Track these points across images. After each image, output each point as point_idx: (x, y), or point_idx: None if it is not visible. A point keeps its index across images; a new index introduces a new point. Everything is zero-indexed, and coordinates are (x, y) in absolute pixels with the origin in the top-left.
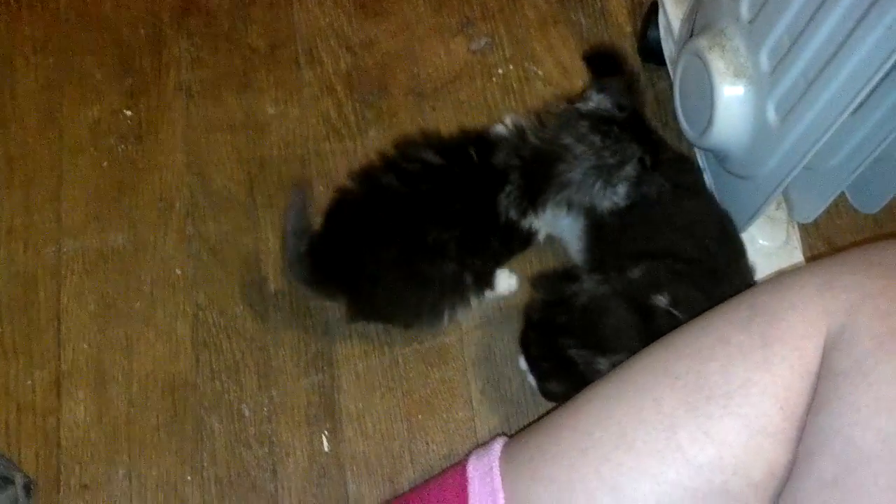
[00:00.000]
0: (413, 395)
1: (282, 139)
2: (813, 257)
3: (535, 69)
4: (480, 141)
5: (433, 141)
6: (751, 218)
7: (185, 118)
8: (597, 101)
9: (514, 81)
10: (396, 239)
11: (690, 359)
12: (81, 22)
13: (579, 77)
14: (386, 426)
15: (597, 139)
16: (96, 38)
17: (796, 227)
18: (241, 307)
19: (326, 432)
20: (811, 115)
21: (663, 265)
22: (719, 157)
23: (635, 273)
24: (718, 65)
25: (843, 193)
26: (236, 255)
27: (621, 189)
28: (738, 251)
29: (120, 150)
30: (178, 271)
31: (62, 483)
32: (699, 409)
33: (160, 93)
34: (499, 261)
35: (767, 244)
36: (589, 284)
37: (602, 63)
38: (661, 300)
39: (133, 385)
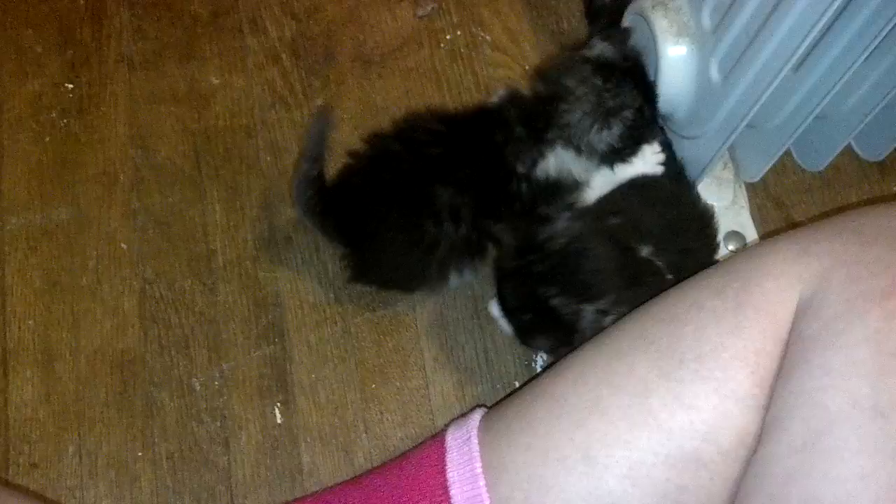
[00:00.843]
0: (366, 364)
1: (227, 109)
2: (761, 217)
3: (483, 34)
4: (484, 111)
5: (439, 114)
6: (697, 178)
7: (127, 90)
8: (601, 48)
9: (461, 47)
10: (404, 203)
11: (665, 323)
12: None
13: (527, 42)
14: (339, 396)
15: (599, 81)
16: (35, 9)
17: (743, 186)
18: (190, 281)
19: (279, 404)
20: (752, 72)
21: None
22: (665, 118)
23: (613, 221)
24: (662, 24)
25: (789, 152)
26: (183, 228)
27: (616, 129)
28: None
29: (62, 124)
30: (124, 246)
31: (10, 462)
32: (671, 374)
33: (102, 65)
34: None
35: (714, 204)
36: (562, 224)
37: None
38: (644, 249)
39: (81, 362)
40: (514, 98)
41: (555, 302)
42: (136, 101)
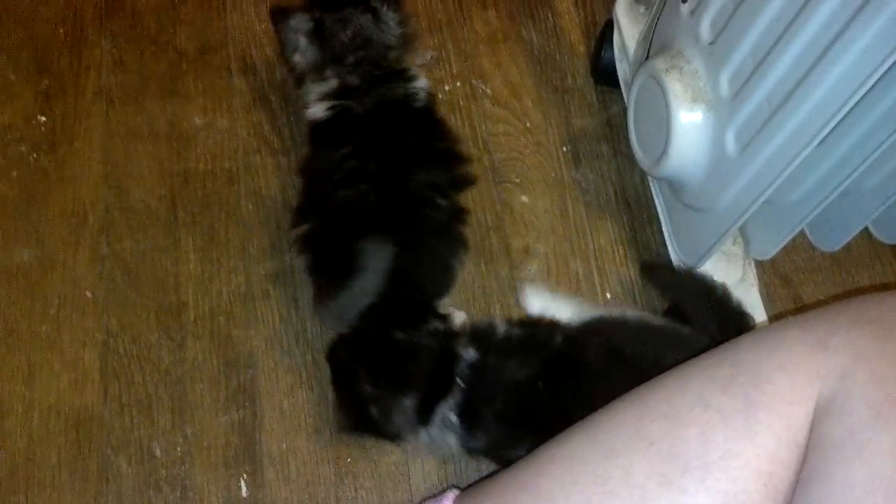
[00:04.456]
0: (342, 435)
1: (208, 151)
2: (769, 295)
3: (484, 87)
4: None
5: None
6: (706, 253)
7: (104, 126)
8: None
9: (460, 99)
10: None
11: (666, 421)
12: None
13: (529, 97)
14: (311, 470)
15: None
16: (11, 35)
17: (753, 263)
18: (157, 335)
19: (245, 476)
20: (773, 145)
21: None
22: (674, 188)
23: None
24: (675, 88)
25: (801, 229)
26: (153, 278)
27: None
28: None
29: (31, 158)
30: (89, 293)
31: None
32: (673, 483)
33: (78, 97)
34: None
35: (723, 281)
36: None
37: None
38: None
39: (34, 418)
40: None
41: None
42: (112, 138)
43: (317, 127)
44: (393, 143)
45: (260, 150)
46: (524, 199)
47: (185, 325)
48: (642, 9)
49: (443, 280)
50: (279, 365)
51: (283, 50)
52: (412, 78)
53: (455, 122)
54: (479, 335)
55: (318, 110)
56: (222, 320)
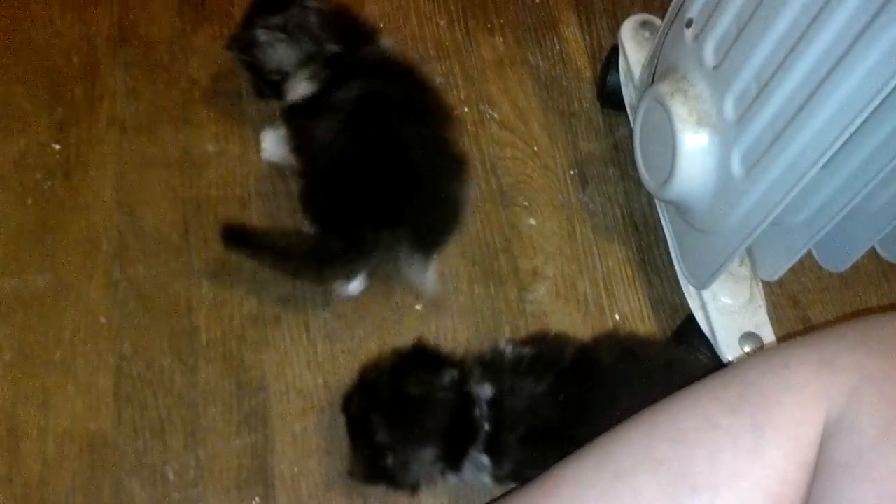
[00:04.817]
0: (357, 484)
1: (221, 178)
2: (777, 316)
3: (491, 112)
4: None
5: None
6: (713, 275)
7: (117, 153)
8: None
9: (468, 124)
10: None
11: (675, 443)
12: (10, 48)
13: (536, 121)
14: (323, 493)
15: None
16: (26, 65)
17: (760, 284)
18: (170, 359)
19: (258, 498)
20: (779, 167)
21: None
22: (681, 210)
23: None
24: (681, 112)
25: (808, 250)
26: (166, 302)
27: None
28: None
29: (46, 186)
30: (103, 319)
31: None
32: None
33: (92, 126)
34: None
35: (730, 302)
36: None
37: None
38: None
39: (48, 442)
40: None
41: None
42: (125, 165)
43: (308, 100)
44: (388, 97)
45: (271, 176)
46: (532, 221)
47: (198, 349)
48: (647, 34)
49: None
50: (290, 388)
51: (263, 67)
52: (379, 35)
53: (463, 146)
54: (490, 366)
55: (304, 88)
56: (234, 344)
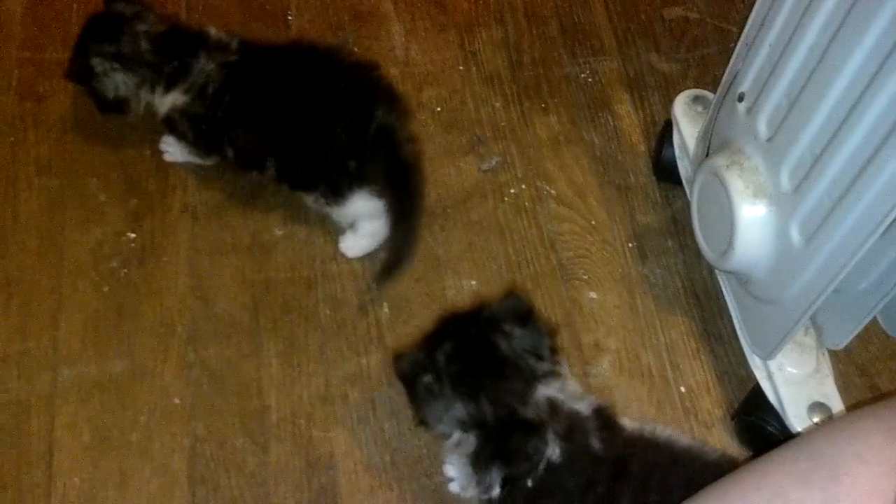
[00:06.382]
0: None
1: (288, 260)
2: (845, 385)
3: (548, 188)
4: None
5: None
6: (778, 345)
7: (189, 240)
8: None
9: (526, 201)
10: None
11: None
12: (87, 143)
13: (593, 197)
14: None
15: None
16: (101, 158)
17: (826, 353)
18: (241, 439)
19: None
20: (838, 236)
21: None
22: (742, 280)
23: None
24: (737, 184)
25: (874, 317)
26: (238, 383)
27: None
28: None
29: (122, 273)
30: (177, 400)
31: None
32: None
33: (165, 215)
34: None
35: (796, 372)
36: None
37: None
38: None
39: None
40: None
41: None
42: (197, 252)
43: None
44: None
45: (336, 257)
46: (593, 295)
47: (268, 428)
48: (700, 108)
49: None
50: (358, 465)
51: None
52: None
53: (521, 224)
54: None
55: (174, 97)
56: (303, 422)
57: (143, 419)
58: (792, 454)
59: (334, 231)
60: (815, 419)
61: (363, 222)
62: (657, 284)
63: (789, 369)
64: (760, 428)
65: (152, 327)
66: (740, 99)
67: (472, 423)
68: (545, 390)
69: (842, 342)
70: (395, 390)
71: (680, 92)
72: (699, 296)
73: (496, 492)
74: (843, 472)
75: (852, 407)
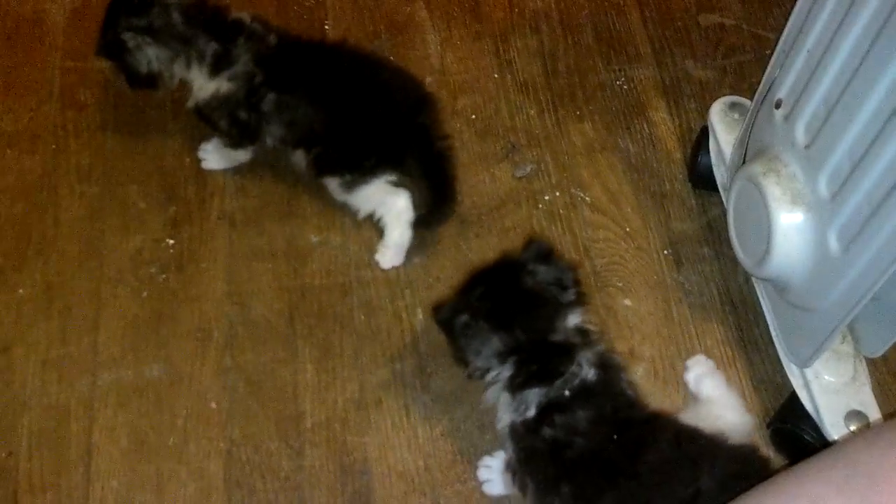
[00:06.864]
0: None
1: (323, 267)
2: (883, 393)
3: (583, 195)
4: None
5: None
6: (815, 353)
7: (227, 247)
8: None
9: (560, 208)
10: None
11: None
12: (127, 151)
13: (628, 204)
14: None
15: None
16: (141, 167)
17: (864, 361)
18: (277, 443)
19: None
20: (877, 243)
21: None
22: (778, 288)
23: None
24: (774, 191)
25: None
26: (274, 388)
27: None
28: None
29: (161, 279)
30: (214, 405)
31: None
32: None
33: (203, 222)
34: None
35: (833, 380)
36: None
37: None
38: None
39: None
40: None
41: None
42: (234, 258)
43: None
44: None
45: (370, 264)
46: (627, 302)
47: (303, 433)
48: (736, 115)
49: None
50: (392, 470)
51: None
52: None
53: (555, 230)
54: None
55: (219, 84)
56: (338, 427)
57: (179, 423)
58: (830, 462)
59: (369, 238)
60: (853, 427)
61: (391, 231)
62: (692, 292)
63: (826, 377)
64: (796, 436)
65: (190, 332)
66: (777, 106)
67: (507, 352)
68: (573, 318)
69: (879, 350)
70: (428, 397)
71: (716, 99)
72: (735, 303)
73: (531, 412)
74: (881, 480)
75: (890, 415)
